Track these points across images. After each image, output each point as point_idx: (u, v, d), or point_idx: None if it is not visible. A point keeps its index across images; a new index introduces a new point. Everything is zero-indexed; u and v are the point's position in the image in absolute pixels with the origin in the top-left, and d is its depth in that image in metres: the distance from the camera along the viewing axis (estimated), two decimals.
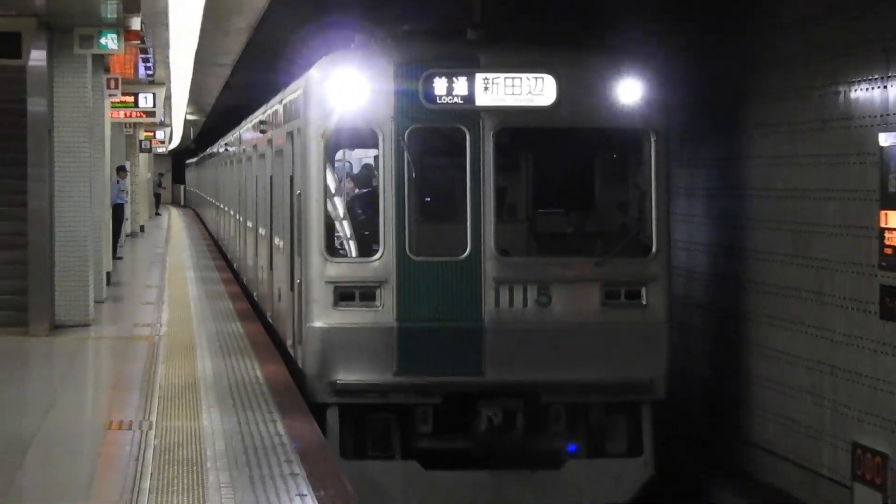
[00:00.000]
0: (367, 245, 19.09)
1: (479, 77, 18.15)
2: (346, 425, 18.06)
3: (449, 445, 18.01)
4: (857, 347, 19.89)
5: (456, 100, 18.21)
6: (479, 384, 18.02)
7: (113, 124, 45.69)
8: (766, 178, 23.00)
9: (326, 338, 18.36)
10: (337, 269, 18.53)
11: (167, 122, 72.11)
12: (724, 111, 25.23)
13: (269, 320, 28.31)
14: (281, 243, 24.70)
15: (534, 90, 18.20)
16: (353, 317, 18.38)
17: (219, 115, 75.44)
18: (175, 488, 15.29)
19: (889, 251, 17.86)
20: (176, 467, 16.36)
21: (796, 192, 21.72)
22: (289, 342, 22.27)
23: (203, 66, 50.35)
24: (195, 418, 19.82)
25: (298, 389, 19.29)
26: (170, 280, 44.22)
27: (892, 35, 18.49)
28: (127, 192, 59.01)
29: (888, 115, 18.47)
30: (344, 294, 18.29)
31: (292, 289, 21.65)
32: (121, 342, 29.30)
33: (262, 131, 31.57)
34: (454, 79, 18.10)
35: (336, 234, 19.69)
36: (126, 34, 31.84)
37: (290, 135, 22.13)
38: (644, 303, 18.47)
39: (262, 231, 31.34)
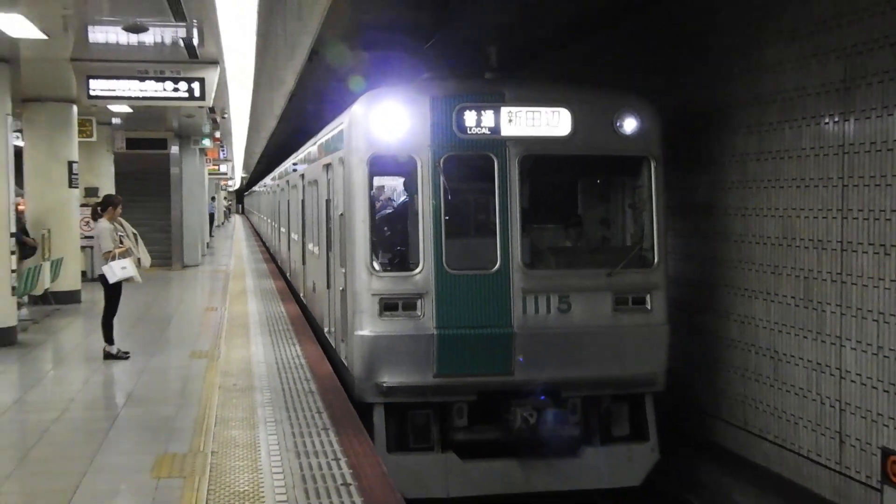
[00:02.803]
0: (407, 261, 11.54)
1: (505, 110, 11.19)
2: (390, 420, 11.15)
3: (482, 437, 11.30)
4: None
5: (484, 130, 11.17)
6: (509, 383, 11.11)
7: (209, 178, 45.57)
8: None
9: (373, 345, 11.03)
10: (381, 283, 11.11)
11: (233, 176, 71.51)
12: None
13: (302, 299, 19.31)
14: (315, 250, 16.05)
15: (551, 122, 11.25)
16: (396, 325, 11.04)
17: (257, 173, 74.96)
18: (237, 335, 15.05)
19: None
20: (237, 327, 15.94)
21: None
22: (326, 329, 14.30)
23: (248, 154, 50.58)
24: (245, 304, 19.25)
25: (342, 385, 11.61)
26: (234, 245, 44.03)
27: None
28: (215, 208, 58.97)
29: None
30: (388, 305, 11.07)
31: (328, 287, 13.78)
32: (213, 273, 28.82)
33: (294, 170, 22.28)
34: (482, 112, 11.16)
35: (380, 251, 11.85)
36: (213, 139, 32.09)
37: (327, 166, 14.04)
38: (648, 307, 11.39)
39: (294, 236, 21.80)
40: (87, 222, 21.17)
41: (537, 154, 11.15)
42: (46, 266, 18.79)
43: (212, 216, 51.16)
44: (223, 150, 40.83)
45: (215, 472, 7.78)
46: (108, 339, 13.48)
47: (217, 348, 14.02)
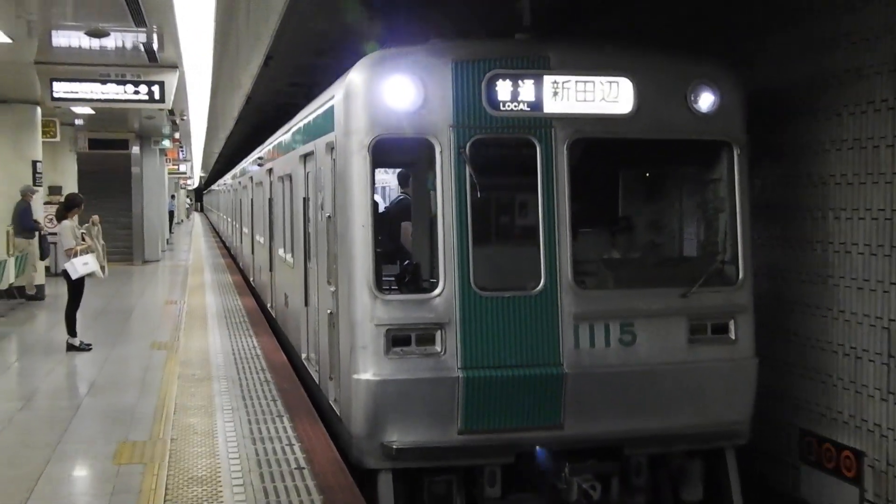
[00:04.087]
0: (422, 278, 8.11)
1: (549, 80, 7.60)
2: (400, 489, 7.52)
3: None
4: None
5: (522, 106, 7.57)
6: (557, 438, 7.56)
7: (169, 177, 45.11)
8: None
9: (378, 392, 7.35)
10: (389, 309, 7.39)
11: (192, 175, 70.91)
12: None
13: (270, 311, 15.83)
14: (288, 257, 12.52)
15: (609, 96, 7.70)
16: (409, 365, 7.35)
17: (216, 172, 74.23)
18: (196, 327, 14.97)
19: None
20: (196, 319, 15.87)
21: None
22: (304, 355, 10.83)
23: (207, 155, 50.12)
24: (203, 297, 19.16)
25: (332, 438, 8.20)
26: (193, 242, 43.54)
27: None
28: (175, 206, 58.48)
29: None
30: (398, 338, 7.39)
31: (307, 304, 10.39)
32: (173, 268, 28.36)
33: (260, 165, 18.00)
34: (520, 82, 7.57)
35: (389, 266, 8.54)
36: (173, 140, 31.82)
37: (306, 157, 10.33)
38: (733, 337, 7.86)
39: (259, 238, 18.13)
40: (51, 219, 21.00)
41: (591, 138, 7.83)
42: (11, 262, 18.57)
43: (172, 214, 50.80)
44: (182, 151, 40.48)
45: (174, 459, 7.71)
46: (71, 331, 13.38)
47: (176, 339, 13.91)
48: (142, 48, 13.41)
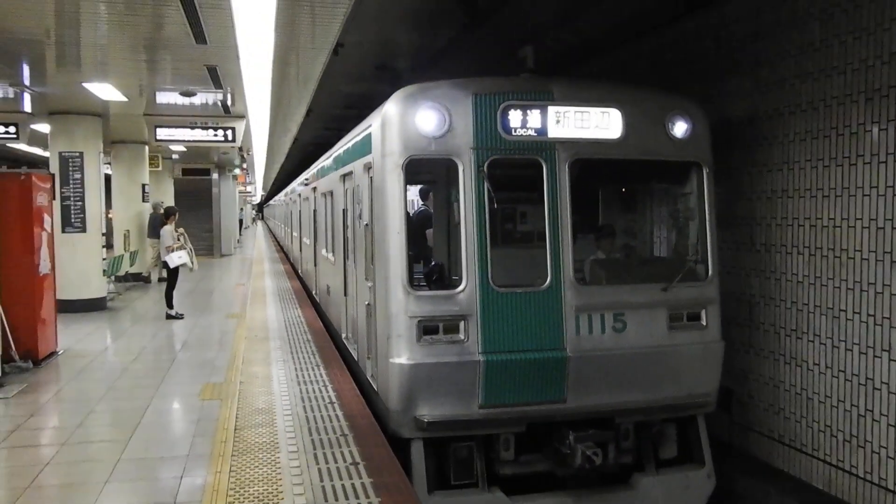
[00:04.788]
0: (449, 277, 7.44)
1: (552, 110, 6.65)
2: (429, 454, 6.52)
3: (530, 470, 6.74)
4: None
5: (530, 132, 6.60)
6: (561, 411, 6.57)
7: (239, 195, 44.86)
8: None
9: (412, 374, 6.34)
10: (420, 303, 6.38)
11: (255, 194, 70.53)
12: None
13: (315, 297, 14.54)
14: (330, 256, 11.52)
15: (601, 124, 6.77)
16: (437, 350, 6.37)
17: (272, 191, 73.67)
18: (258, 302, 14.57)
19: None
20: (258, 297, 15.35)
21: None
22: (344, 335, 9.88)
23: (266, 179, 49.73)
24: (263, 282, 18.56)
25: (376, 418, 6.88)
26: (256, 242, 43.35)
27: None
28: (244, 216, 58.11)
29: None
30: (427, 328, 6.39)
31: (346, 294, 9.49)
32: (242, 260, 27.81)
33: (306, 185, 16.61)
34: (528, 111, 6.60)
35: (419, 267, 7.71)
36: (242, 169, 31.60)
37: (345, 176, 9.28)
38: (704, 324, 6.97)
39: (306, 241, 16.73)
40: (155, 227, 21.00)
41: (587, 158, 6.91)
42: (126, 256, 18.54)
43: (241, 221, 50.44)
44: (248, 176, 40.19)
45: (243, 395, 7.68)
46: (170, 305, 13.37)
47: (244, 311, 13.81)
48: (219, 104, 13.35)
